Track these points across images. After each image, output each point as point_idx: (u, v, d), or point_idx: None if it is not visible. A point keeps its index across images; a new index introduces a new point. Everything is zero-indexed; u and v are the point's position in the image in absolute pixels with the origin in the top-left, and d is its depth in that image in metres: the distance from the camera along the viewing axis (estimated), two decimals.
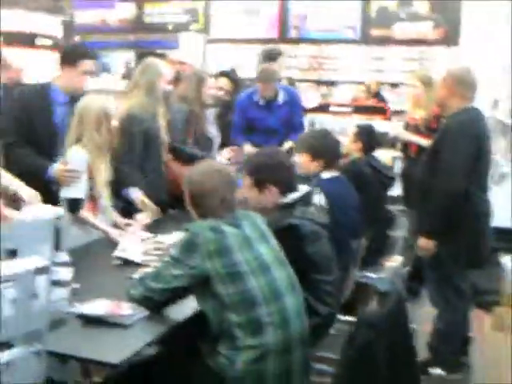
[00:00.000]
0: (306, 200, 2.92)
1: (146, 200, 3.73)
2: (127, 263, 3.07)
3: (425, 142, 4.99)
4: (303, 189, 2.95)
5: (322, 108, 7.07)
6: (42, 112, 3.75)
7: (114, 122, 3.51)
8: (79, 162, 3.40)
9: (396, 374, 2.21)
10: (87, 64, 3.78)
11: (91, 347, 2.18)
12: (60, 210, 2.42)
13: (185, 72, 5.32)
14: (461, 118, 3.70)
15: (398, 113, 7.88)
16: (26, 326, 1.85)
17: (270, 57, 5.84)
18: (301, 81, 9.96)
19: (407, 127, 5.25)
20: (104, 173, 3.49)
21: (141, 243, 3.30)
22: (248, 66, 8.23)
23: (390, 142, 6.29)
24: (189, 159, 4.15)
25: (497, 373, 3.56)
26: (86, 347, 2.18)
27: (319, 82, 10.66)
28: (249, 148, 5.32)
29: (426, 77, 5.13)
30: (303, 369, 2.54)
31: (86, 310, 2.39)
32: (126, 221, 3.61)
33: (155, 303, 2.49)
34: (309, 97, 8.12)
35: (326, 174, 3.52)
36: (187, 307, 2.55)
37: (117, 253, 3.16)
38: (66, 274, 2.46)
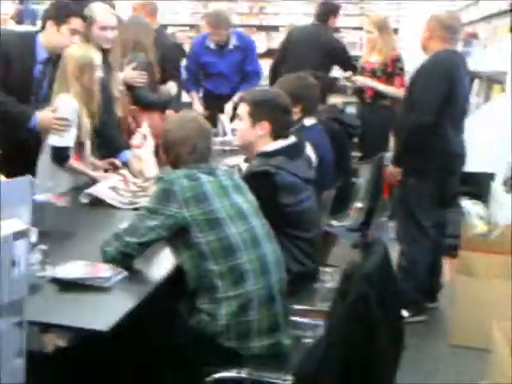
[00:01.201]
0: (290, 152, 2.80)
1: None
2: (96, 203, 3.07)
3: (382, 86, 4.95)
4: (288, 139, 2.83)
5: (269, 54, 6.88)
6: (23, 60, 3.50)
7: (99, 74, 3.43)
8: (69, 110, 3.33)
9: (388, 326, 2.16)
10: (77, 23, 3.52)
11: (73, 314, 2.03)
12: None
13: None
14: (436, 59, 3.78)
15: None
16: (6, 295, 1.68)
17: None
18: (241, 26, 9.73)
19: (363, 72, 5.18)
20: (88, 122, 3.42)
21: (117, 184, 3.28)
22: None
23: (339, 88, 6.22)
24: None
25: (466, 318, 3.59)
26: (67, 314, 2.02)
27: (260, 27, 10.45)
28: (195, 97, 5.20)
29: (381, 21, 5.05)
30: (286, 320, 2.47)
31: (60, 273, 2.21)
32: (106, 164, 3.59)
33: (132, 259, 2.36)
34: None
35: (308, 122, 3.41)
36: (162, 266, 2.43)
37: (87, 190, 3.14)
38: (31, 235, 2.28)
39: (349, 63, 5.57)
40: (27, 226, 1.72)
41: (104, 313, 2.04)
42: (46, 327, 2.07)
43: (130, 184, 3.32)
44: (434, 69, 3.76)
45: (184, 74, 5.47)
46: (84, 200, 3.13)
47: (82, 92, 3.38)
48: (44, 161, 3.41)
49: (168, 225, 2.30)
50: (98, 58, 3.47)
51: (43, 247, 2.33)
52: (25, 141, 3.45)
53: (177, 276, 2.41)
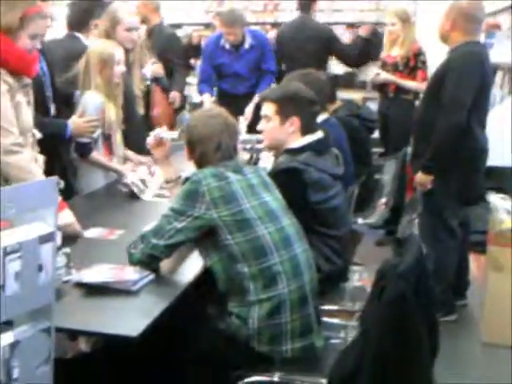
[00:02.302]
0: (317, 147, 2.73)
1: None
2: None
3: (404, 82, 4.87)
4: (314, 135, 2.76)
5: None
6: None
7: (121, 68, 3.52)
8: (93, 106, 3.43)
9: (424, 325, 2.09)
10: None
11: (100, 319, 1.97)
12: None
13: None
14: (464, 51, 3.59)
15: None
16: (33, 301, 1.63)
17: None
18: (256, 24, 9.64)
19: (384, 66, 5.09)
20: (113, 114, 3.52)
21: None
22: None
23: (359, 83, 6.15)
24: None
25: (499, 314, 3.50)
26: (94, 320, 1.97)
27: (275, 25, 10.34)
28: (208, 99, 5.15)
29: (404, 13, 4.96)
30: (318, 321, 2.40)
31: (85, 277, 2.16)
32: (141, 157, 3.63)
33: (159, 261, 2.31)
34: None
35: (319, 118, 3.31)
36: (190, 268, 2.37)
37: (124, 180, 3.29)
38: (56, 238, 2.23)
39: (345, 50, 5.49)
40: (53, 229, 1.67)
41: (132, 317, 1.99)
42: (74, 333, 2.01)
43: (156, 176, 3.40)
44: (465, 64, 3.54)
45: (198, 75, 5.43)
46: (124, 189, 3.28)
47: (104, 86, 3.47)
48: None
49: (196, 226, 2.24)
50: (119, 52, 3.53)
51: (67, 250, 2.28)
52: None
53: (205, 278, 2.35)
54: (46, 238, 1.64)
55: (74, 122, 3.38)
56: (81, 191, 3.48)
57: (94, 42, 3.66)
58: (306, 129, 2.76)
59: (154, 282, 2.22)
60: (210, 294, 2.39)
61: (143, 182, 3.36)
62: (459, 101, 3.49)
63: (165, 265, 2.35)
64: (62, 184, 2.72)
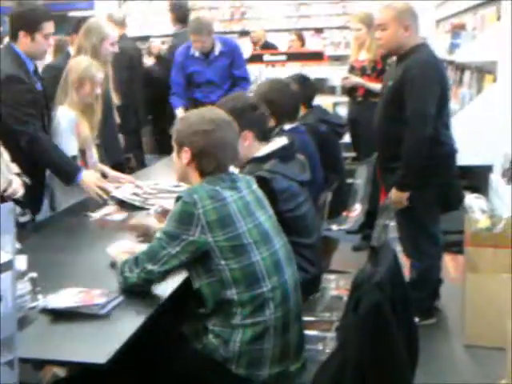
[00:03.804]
0: (282, 154, 2.68)
1: None
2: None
3: (373, 85, 4.84)
4: (279, 142, 2.71)
5: (255, 58, 6.76)
6: (29, 78, 3.40)
7: (98, 90, 3.57)
8: (67, 121, 3.46)
9: (402, 332, 2.04)
10: (49, 26, 3.41)
11: (68, 347, 1.89)
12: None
13: None
14: (419, 60, 3.46)
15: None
16: None
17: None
18: (224, 33, 9.63)
19: (352, 70, 5.07)
20: (89, 131, 3.56)
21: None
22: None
23: (329, 88, 6.13)
24: None
25: (479, 316, 3.48)
26: (61, 348, 1.89)
27: (243, 33, 10.35)
28: (182, 113, 5.07)
29: (368, 18, 4.94)
30: (300, 344, 2.34)
31: (52, 303, 2.08)
32: (117, 174, 3.68)
33: (153, 284, 2.25)
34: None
35: (287, 126, 3.27)
36: (162, 288, 2.29)
37: (112, 194, 3.35)
38: (20, 262, 2.15)
39: None
40: (11, 257, 1.60)
41: (101, 343, 1.91)
42: (41, 363, 1.93)
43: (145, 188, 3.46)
44: (423, 75, 3.40)
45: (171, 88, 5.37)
46: (111, 203, 3.33)
47: (79, 103, 3.50)
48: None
49: (190, 251, 2.15)
50: (101, 74, 3.57)
51: (33, 275, 2.20)
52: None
53: (181, 296, 2.28)
54: (5, 267, 1.57)
55: (88, 178, 3.40)
56: (58, 206, 3.49)
57: (78, 58, 3.71)
58: (262, 135, 2.70)
59: (124, 303, 2.14)
60: (185, 313, 2.32)
61: (137, 195, 3.39)
62: (424, 114, 3.39)
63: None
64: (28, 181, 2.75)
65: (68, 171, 3.40)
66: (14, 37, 3.42)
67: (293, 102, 3.41)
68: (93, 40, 3.98)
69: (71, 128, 3.45)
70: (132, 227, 2.86)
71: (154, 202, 3.25)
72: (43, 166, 3.41)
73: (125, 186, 3.52)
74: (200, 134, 2.24)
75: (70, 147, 3.48)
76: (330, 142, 3.92)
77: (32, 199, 3.24)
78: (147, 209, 3.22)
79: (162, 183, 3.51)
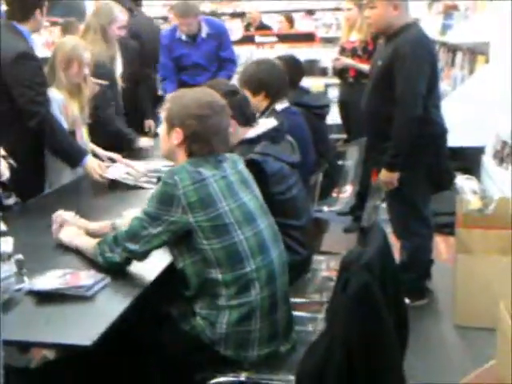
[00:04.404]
0: (272, 135, 2.65)
1: None
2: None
3: (364, 66, 4.80)
4: (269, 123, 2.68)
5: (246, 40, 6.71)
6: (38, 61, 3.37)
7: (87, 71, 3.51)
8: (55, 102, 3.39)
9: (391, 313, 2.03)
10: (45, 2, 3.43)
11: (53, 329, 1.87)
12: None
13: None
14: (409, 39, 3.41)
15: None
16: None
17: None
18: (214, 14, 9.56)
19: (343, 52, 5.03)
20: (76, 110, 3.53)
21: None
22: None
23: (321, 70, 6.09)
24: None
25: (470, 296, 3.48)
26: (47, 330, 1.87)
27: (234, 15, 10.28)
28: None
29: None
30: (289, 325, 2.34)
31: (37, 284, 2.06)
32: (108, 153, 3.67)
33: (131, 262, 2.24)
34: (232, 29, 7.75)
35: (279, 106, 3.23)
36: (151, 269, 2.27)
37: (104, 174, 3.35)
38: (6, 244, 2.12)
39: None
40: None
41: (87, 325, 1.88)
42: (27, 346, 1.91)
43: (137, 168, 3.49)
44: (414, 53, 3.35)
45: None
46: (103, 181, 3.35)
47: (67, 83, 3.45)
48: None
49: (172, 230, 2.13)
50: (88, 54, 3.52)
51: (19, 257, 2.17)
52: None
53: (168, 278, 2.26)
54: None
55: (90, 163, 3.37)
56: (50, 186, 3.46)
57: (64, 39, 3.70)
58: (246, 120, 2.68)
59: (111, 285, 2.12)
60: (172, 294, 2.30)
61: (130, 174, 3.44)
62: (414, 93, 3.35)
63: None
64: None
65: (75, 154, 3.38)
66: (25, 17, 3.32)
67: (281, 81, 3.37)
68: (102, 20, 4.09)
69: (59, 110, 3.43)
70: None
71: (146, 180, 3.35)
72: (50, 147, 3.35)
73: (117, 166, 3.55)
74: (195, 119, 2.19)
75: None
76: (313, 125, 3.80)
77: (35, 180, 3.32)
78: (141, 187, 3.26)
79: (153, 163, 3.58)
